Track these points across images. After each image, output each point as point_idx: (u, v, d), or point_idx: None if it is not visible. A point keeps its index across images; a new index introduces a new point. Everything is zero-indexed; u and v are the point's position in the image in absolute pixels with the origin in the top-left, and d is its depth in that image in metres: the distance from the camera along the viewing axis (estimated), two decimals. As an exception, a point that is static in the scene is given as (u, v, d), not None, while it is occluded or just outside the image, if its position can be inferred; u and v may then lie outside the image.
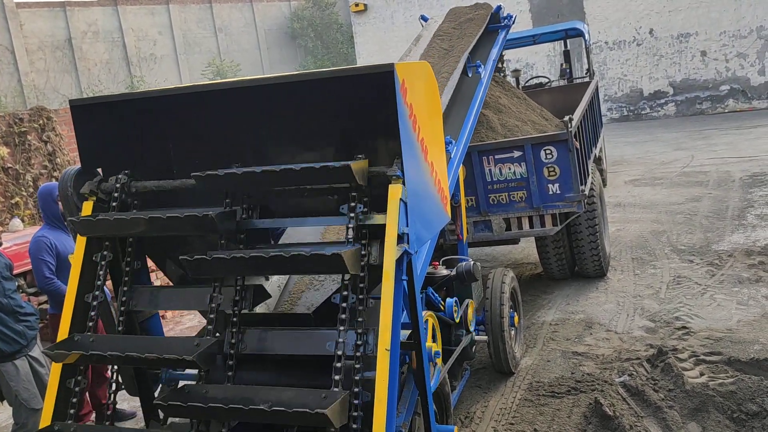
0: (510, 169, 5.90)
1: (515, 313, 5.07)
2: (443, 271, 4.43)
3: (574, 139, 5.80)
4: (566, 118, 5.88)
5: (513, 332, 5.00)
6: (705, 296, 5.82)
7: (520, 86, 10.29)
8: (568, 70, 11.21)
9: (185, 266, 2.86)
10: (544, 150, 5.76)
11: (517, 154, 5.85)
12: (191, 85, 3.19)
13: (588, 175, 6.48)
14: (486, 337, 4.68)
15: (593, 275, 6.69)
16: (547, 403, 4.40)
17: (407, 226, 2.77)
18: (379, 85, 2.77)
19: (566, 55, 12.11)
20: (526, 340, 5.53)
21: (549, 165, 5.78)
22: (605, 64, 19.43)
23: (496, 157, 5.89)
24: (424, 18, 7.50)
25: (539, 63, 20.08)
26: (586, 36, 10.88)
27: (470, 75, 5.62)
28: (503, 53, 8.11)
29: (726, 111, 18.10)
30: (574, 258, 6.70)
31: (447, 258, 4.74)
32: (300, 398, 2.63)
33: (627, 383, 4.34)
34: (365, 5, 22.62)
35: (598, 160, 8.88)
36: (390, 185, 2.78)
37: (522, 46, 11.90)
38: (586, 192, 6.08)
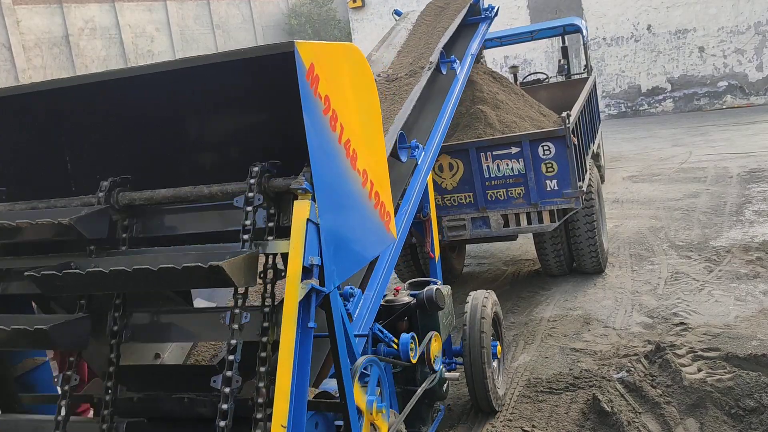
0: (508, 165, 5.89)
1: (498, 343, 4.49)
2: (404, 298, 3.79)
3: (572, 135, 5.80)
4: (564, 114, 5.87)
5: (495, 364, 4.41)
6: (703, 292, 5.82)
7: (518, 82, 10.28)
8: (566, 66, 11.22)
9: (34, 283, 2.32)
10: (542, 146, 5.75)
11: (515, 150, 5.84)
12: (71, 77, 2.55)
13: (586, 171, 6.47)
14: (456, 374, 4.05)
15: (591, 271, 6.69)
16: (545, 400, 4.40)
17: (319, 255, 2.20)
18: (278, 70, 2.21)
19: (564, 51, 12.12)
20: (524, 336, 5.52)
21: (547, 161, 5.77)
22: (603, 60, 19.42)
23: (494, 153, 5.88)
24: (397, 13, 7.35)
25: (537, 59, 20.06)
26: (584, 32, 10.88)
27: (444, 72, 5.29)
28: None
29: (724, 107, 18.11)
30: (572, 254, 6.70)
31: (414, 281, 4.28)
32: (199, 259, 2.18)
33: (625, 379, 4.34)
34: (363, 1, 22.57)
35: (596, 157, 8.89)
36: (295, 202, 2.20)
37: (520, 42, 11.90)
38: (584, 188, 6.07)
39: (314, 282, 2.16)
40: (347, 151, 2.44)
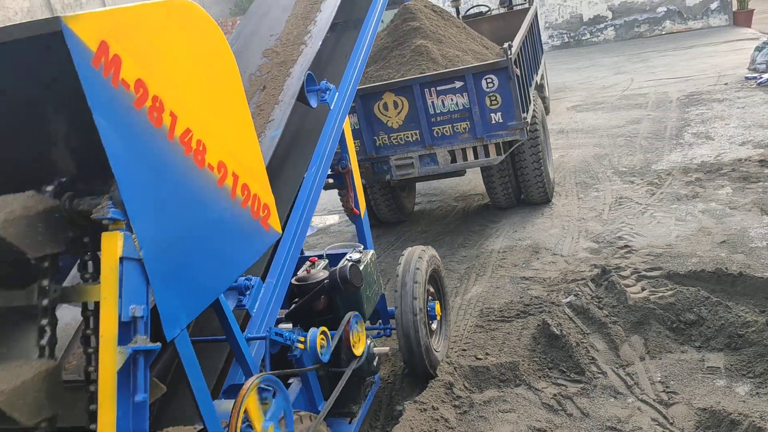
0: (452, 100, 5.86)
1: (436, 304, 4.10)
2: (319, 275, 3.32)
3: (515, 67, 5.78)
4: (505, 45, 5.84)
5: (434, 325, 4.09)
6: (645, 215, 5.99)
7: (460, 16, 10.16)
8: (507, -2, 11.10)
9: None
10: (485, 79, 5.73)
11: (458, 84, 5.80)
12: None
13: (530, 102, 6.50)
14: (386, 348, 3.64)
15: (538, 202, 6.81)
16: (497, 328, 4.52)
17: (146, 301, 1.72)
18: (50, 57, 1.61)
19: (505, -19, 11.96)
20: (476, 269, 5.62)
21: (490, 94, 5.76)
22: (545, -10, 19.32)
23: (438, 88, 5.84)
24: None
25: (479, -8, 19.81)
26: (524, -39, 10.74)
27: None
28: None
29: (663, 33, 18.34)
30: (520, 186, 6.79)
31: (335, 246, 3.78)
32: None
33: (573, 303, 4.48)
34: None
35: (540, 88, 8.93)
36: (103, 235, 1.67)
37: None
38: (528, 119, 6.11)
39: (139, 341, 1.66)
40: (187, 145, 1.90)
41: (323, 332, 2.82)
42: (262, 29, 4.25)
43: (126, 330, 1.65)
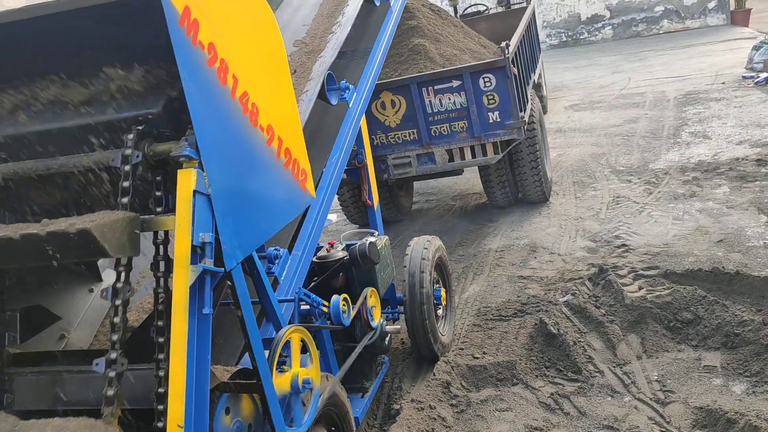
0: (450, 99, 5.86)
1: (442, 290, 4.35)
2: (338, 254, 3.64)
3: (512, 66, 5.78)
4: (503, 44, 5.84)
5: (440, 311, 4.33)
6: (643, 214, 6.00)
7: (458, 15, 10.17)
8: (505, -4, 11.11)
9: None
10: (483, 78, 5.73)
11: (456, 83, 5.80)
12: None
13: (527, 101, 6.50)
14: (398, 326, 3.91)
15: (536, 201, 6.82)
16: (495, 327, 4.52)
17: (213, 230, 1.96)
18: (142, 17, 1.90)
19: (503, -20, 11.97)
20: (474, 268, 5.63)
21: (488, 93, 5.76)
22: (543, -11, 19.33)
23: (436, 87, 5.83)
24: None
25: (477, -9, 19.82)
26: (522, -40, 10.74)
27: (378, 3, 4.96)
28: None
29: (661, 32, 18.37)
30: (517, 185, 6.80)
31: (352, 232, 4.12)
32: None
33: (570, 302, 4.49)
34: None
35: (538, 87, 8.94)
36: (178, 172, 1.93)
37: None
38: (526, 119, 6.11)
39: (207, 263, 1.91)
40: (244, 106, 2.13)
41: (345, 298, 3.11)
42: (294, 23, 4.64)
43: (195, 253, 1.90)
